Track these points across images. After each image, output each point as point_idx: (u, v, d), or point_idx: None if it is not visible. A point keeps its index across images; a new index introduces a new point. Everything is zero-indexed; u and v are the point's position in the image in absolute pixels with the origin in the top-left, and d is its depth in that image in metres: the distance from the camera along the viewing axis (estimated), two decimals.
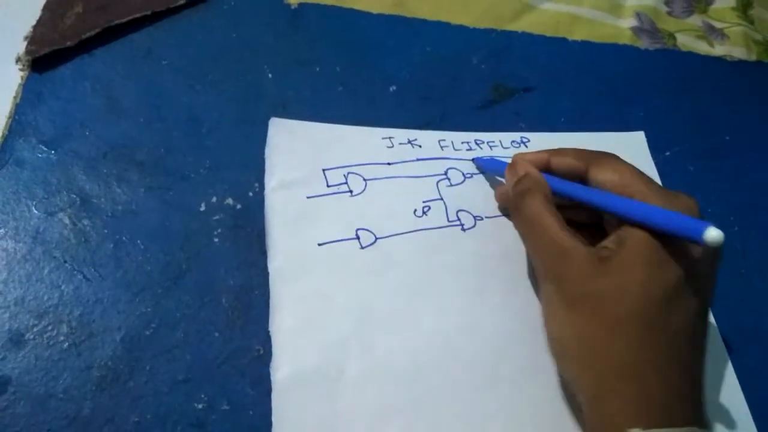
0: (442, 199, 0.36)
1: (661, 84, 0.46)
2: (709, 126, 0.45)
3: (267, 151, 0.36)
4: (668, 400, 0.27)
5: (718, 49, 0.49)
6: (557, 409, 0.31)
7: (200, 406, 0.29)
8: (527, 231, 0.32)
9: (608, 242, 0.30)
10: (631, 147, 0.42)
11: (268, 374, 0.30)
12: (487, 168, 0.38)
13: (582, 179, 0.33)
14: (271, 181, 0.35)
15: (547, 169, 0.34)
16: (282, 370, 0.30)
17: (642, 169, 0.32)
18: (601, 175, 0.31)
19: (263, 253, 0.33)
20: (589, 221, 0.34)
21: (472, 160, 0.39)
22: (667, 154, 0.43)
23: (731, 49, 0.49)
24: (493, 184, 0.38)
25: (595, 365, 0.28)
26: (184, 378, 0.30)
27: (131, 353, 0.30)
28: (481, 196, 0.37)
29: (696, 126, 0.45)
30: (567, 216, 0.32)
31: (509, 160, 0.36)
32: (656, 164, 0.42)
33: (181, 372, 0.30)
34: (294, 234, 0.33)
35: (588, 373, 0.28)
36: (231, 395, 0.30)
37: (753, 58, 0.50)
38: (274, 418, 0.29)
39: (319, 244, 0.33)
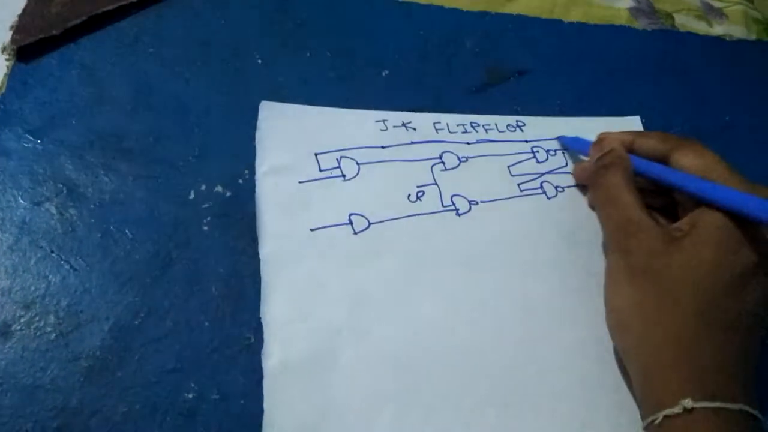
0: (436, 183, 0.36)
1: (660, 65, 0.45)
2: (709, 107, 0.44)
3: (258, 135, 0.35)
4: (720, 378, 0.27)
5: (717, 29, 0.49)
6: (552, 395, 0.31)
7: (190, 396, 0.29)
8: (603, 203, 0.33)
9: (681, 224, 0.30)
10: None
11: (259, 363, 0.29)
12: (572, 146, 0.39)
13: (663, 162, 0.33)
14: (262, 166, 0.34)
15: (630, 149, 0.34)
16: (273, 358, 0.29)
17: None
18: (685, 159, 0.32)
19: (253, 241, 0.32)
20: (664, 206, 0.34)
21: (557, 138, 0.39)
22: None
23: (730, 29, 0.49)
24: (489, 168, 0.37)
25: (652, 337, 0.28)
26: (173, 368, 0.29)
27: (119, 343, 0.29)
28: (475, 180, 0.37)
29: (695, 107, 0.44)
30: (642, 199, 0.32)
31: (593, 138, 0.36)
32: None
33: (171, 361, 0.29)
34: (286, 219, 0.33)
35: (644, 345, 0.29)
36: (221, 385, 0.29)
37: (752, 37, 0.49)
38: (265, 407, 0.28)
39: (312, 230, 0.33)
